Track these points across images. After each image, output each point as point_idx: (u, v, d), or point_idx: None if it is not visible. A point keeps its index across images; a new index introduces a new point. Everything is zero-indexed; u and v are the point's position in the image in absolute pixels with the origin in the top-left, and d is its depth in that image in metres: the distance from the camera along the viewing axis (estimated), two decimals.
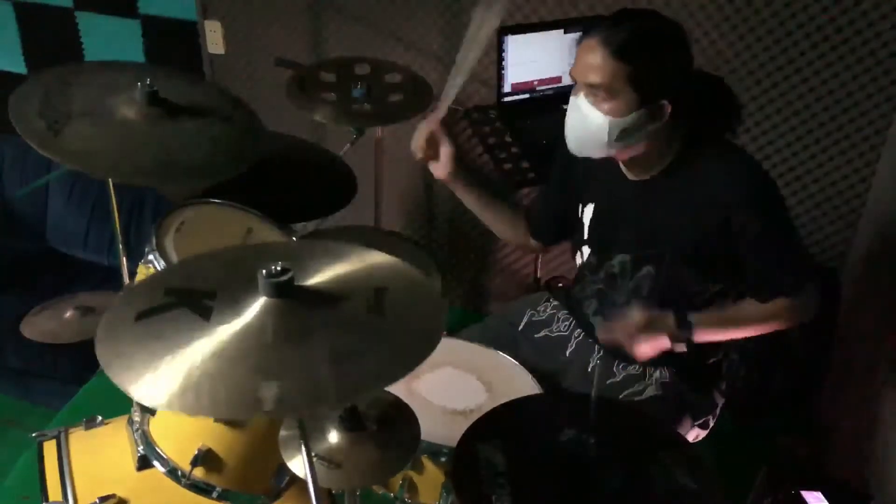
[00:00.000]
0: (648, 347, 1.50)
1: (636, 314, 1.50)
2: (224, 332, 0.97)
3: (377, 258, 1.15)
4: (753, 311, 1.53)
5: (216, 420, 1.36)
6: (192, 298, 1.03)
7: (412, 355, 0.99)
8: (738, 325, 1.54)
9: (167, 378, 0.92)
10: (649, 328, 1.49)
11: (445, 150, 1.67)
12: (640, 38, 1.38)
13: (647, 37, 1.39)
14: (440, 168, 1.69)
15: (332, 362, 0.95)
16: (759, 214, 1.44)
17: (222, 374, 0.92)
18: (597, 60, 1.39)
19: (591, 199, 1.65)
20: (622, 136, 1.43)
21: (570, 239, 1.75)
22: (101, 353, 0.97)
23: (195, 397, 0.90)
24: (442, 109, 1.65)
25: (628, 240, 1.58)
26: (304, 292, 1.03)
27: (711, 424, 1.71)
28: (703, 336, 1.52)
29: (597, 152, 1.48)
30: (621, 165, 1.57)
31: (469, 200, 1.78)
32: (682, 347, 1.52)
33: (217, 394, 0.90)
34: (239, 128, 1.59)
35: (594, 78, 1.40)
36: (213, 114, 1.57)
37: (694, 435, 1.68)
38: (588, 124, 1.44)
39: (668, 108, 1.41)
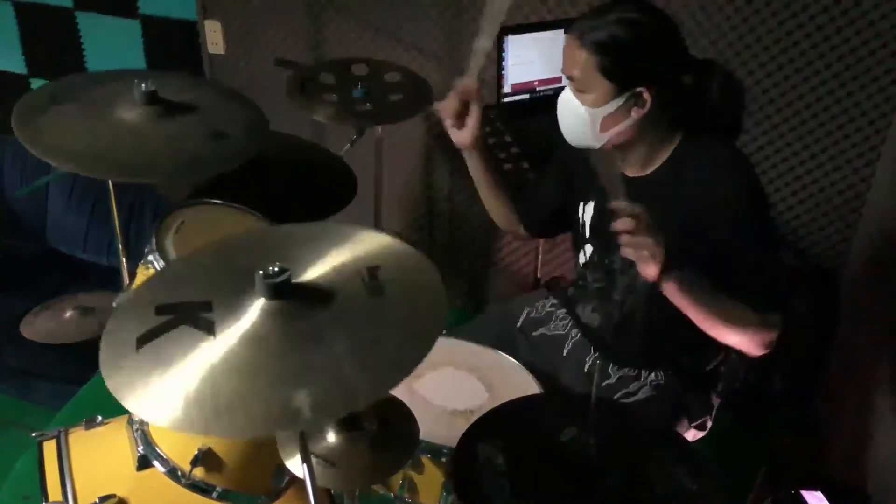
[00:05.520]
0: (635, 252, 1.38)
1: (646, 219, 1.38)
2: (233, 346, 0.96)
3: (362, 235, 1.14)
4: (729, 304, 1.44)
5: None
6: (188, 314, 1.00)
7: (427, 332, 0.98)
8: (711, 304, 1.43)
9: (196, 405, 0.90)
10: (649, 237, 1.37)
11: (475, 117, 1.65)
12: (614, 29, 1.40)
13: (621, 28, 1.41)
14: (465, 134, 1.67)
15: (354, 357, 0.94)
16: (735, 219, 1.43)
17: (250, 391, 0.91)
18: (571, 53, 1.45)
19: (592, 196, 1.65)
20: (606, 125, 1.46)
21: (571, 238, 1.75)
22: (118, 390, 0.93)
23: (230, 420, 0.88)
24: (473, 76, 1.63)
25: None
26: (303, 288, 1.02)
27: (709, 426, 1.70)
28: (678, 287, 1.41)
29: (590, 142, 1.50)
30: (620, 162, 1.57)
31: (478, 174, 1.77)
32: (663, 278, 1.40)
33: (251, 412, 0.89)
34: (241, 120, 1.61)
35: (571, 70, 1.46)
36: (212, 110, 1.59)
37: (691, 436, 1.68)
38: (573, 116, 1.49)
39: (648, 95, 1.42)
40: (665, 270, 1.38)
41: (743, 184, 1.45)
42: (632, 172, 1.55)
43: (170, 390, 0.92)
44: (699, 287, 1.43)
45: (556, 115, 1.54)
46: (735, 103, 1.52)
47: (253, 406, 0.90)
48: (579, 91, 1.46)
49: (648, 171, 1.53)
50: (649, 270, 1.38)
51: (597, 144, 1.50)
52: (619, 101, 1.43)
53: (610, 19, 1.41)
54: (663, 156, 1.51)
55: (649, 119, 1.45)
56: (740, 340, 1.46)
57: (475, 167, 1.77)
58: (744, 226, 1.44)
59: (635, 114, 1.44)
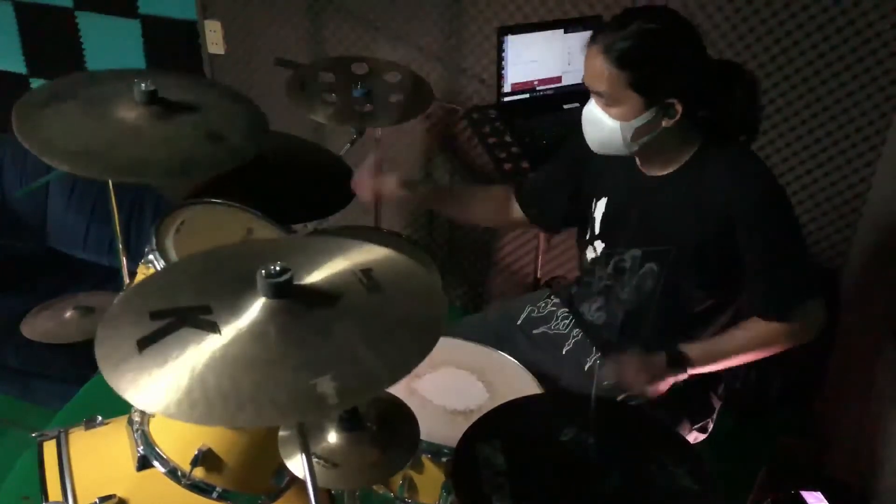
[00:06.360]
0: (652, 389, 1.55)
1: (627, 363, 1.56)
2: (241, 343, 0.96)
3: (347, 245, 1.15)
4: (747, 337, 1.53)
5: None
6: (187, 317, 1.00)
7: (434, 318, 1.00)
8: (733, 353, 1.55)
9: (219, 398, 0.90)
10: (644, 371, 1.54)
11: (387, 180, 1.81)
12: (640, 42, 1.39)
13: (647, 40, 1.39)
14: (394, 190, 1.82)
15: (369, 346, 0.95)
16: (766, 228, 1.44)
17: (272, 380, 0.91)
18: (599, 69, 1.41)
19: (604, 193, 1.65)
20: (637, 135, 1.45)
21: (577, 234, 1.75)
22: (125, 391, 0.92)
23: (257, 410, 0.89)
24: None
25: (637, 235, 1.59)
26: (304, 289, 1.03)
27: (710, 428, 1.71)
28: (700, 368, 1.54)
29: (620, 151, 1.50)
30: (637, 161, 1.58)
31: (449, 210, 1.87)
32: (682, 377, 1.55)
33: (277, 401, 0.89)
34: (240, 122, 1.61)
35: (598, 86, 1.43)
36: (212, 111, 1.59)
37: (692, 438, 1.68)
38: (602, 129, 1.47)
39: (679, 106, 1.41)
40: (672, 372, 1.53)
41: (765, 186, 1.46)
42: (651, 172, 1.56)
43: (185, 388, 0.91)
44: (710, 348, 1.55)
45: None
46: (756, 105, 1.52)
47: (277, 395, 0.90)
48: (607, 106, 1.44)
49: (668, 171, 1.53)
50: (662, 387, 1.55)
51: (627, 152, 1.50)
52: (650, 115, 1.42)
53: (634, 31, 1.39)
54: (684, 157, 1.51)
55: (675, 126, 1.45)
56: (779, 349, 1.54)
57: (444, 206, 1.87)
58: (766, 226, 1.45)
59: (665, 123, 1.44)
